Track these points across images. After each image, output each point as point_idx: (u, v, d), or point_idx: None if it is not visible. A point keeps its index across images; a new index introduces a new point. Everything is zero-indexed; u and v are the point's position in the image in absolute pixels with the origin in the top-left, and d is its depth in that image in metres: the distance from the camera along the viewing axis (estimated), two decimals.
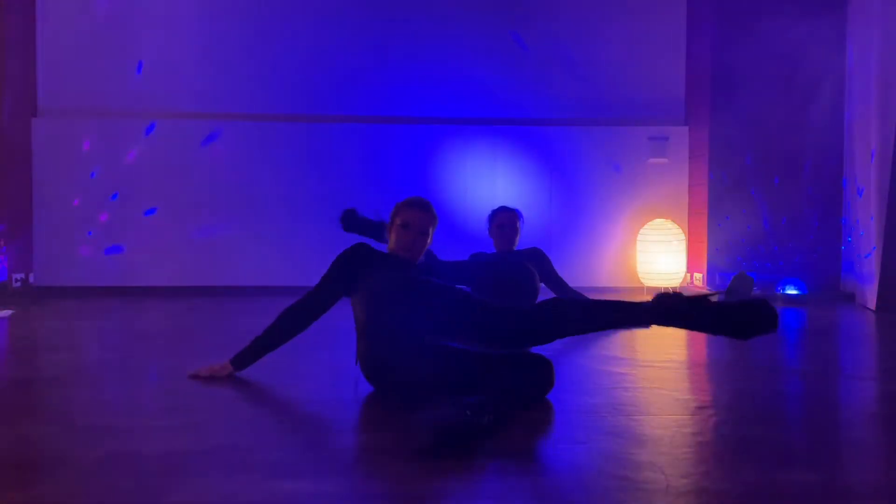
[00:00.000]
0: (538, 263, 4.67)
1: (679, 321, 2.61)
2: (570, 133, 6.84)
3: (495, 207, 4.88)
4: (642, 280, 6.67)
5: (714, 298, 2.66)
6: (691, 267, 6.74)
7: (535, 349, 3.05)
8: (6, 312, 5.25)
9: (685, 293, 2.59)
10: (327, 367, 3.48)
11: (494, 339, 2.77)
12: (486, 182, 6.73)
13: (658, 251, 6.51)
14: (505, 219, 4.77)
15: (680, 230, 6.64)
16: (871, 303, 5.62)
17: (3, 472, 2.04)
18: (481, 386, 2.60)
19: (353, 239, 3.40)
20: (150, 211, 6.61)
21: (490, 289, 4.19)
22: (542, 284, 4.72)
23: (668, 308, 2.60)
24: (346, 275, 3.01)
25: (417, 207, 3.13)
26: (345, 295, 3.04)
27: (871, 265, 5.69)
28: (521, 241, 4.89)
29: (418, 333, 2.74)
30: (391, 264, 3.05)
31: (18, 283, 6.13)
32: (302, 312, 3.06)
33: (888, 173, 5.47)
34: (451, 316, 2.78)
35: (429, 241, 3.17)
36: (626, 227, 6.82)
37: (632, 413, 2.64)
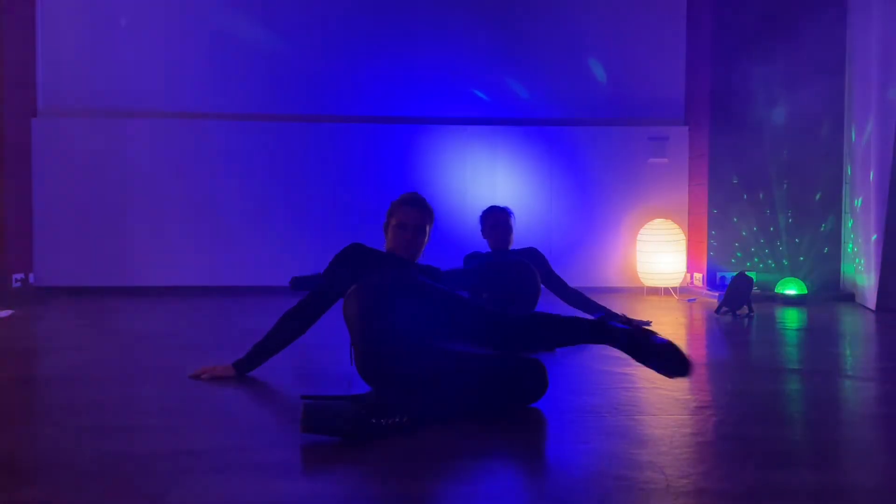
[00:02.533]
0: (536, 264, 4.65)
1: (615, 344, 2.70)
2: (570, 133, 6.84)
3: (485, 209, 4.84)
4: (642, 280, 6.67)
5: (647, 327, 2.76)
6: (691, 267, 6.74)
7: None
8: (6, 312, 5.25)
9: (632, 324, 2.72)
10: (327, 367, 3.48)
11: (487, 344, 2.75)
12: (486, 182, 6.73)
13: (658, 251, 6.51)
14: (497, 218, 4.73)
15: (680, 230, 6.64)
16: (871, 303, 5.62)
17: (2, 472, 2.04)
18: (472, 388, 2.60)
19: (351, 238, 3.38)
20: (151, 211, 6.61)
21: (493, 289, 4.17)
22: (542, 285, 4.70)
23: (608, 335, 2.69)
24: (343, 276, 3.00)
25: (412, 205, 3.11)
26: (342, 296, 3.03)
27: (872, 266, 5.69)
28: (520, 239, 4.87)
29: (411, 334, 2.73)
30: (389, 263, 3.04)
31: (18, 283, 6.13)
32: (300, 316, 3.07)
33: (888, 173, 5.46)
34: (444, 318, 2.76)
35: (426, 238, 3.15)
36: (626, 227, 6.82)
37: (632, 413, 2.64)
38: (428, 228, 3.13)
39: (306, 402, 2.32)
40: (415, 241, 3.09)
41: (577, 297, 4.80)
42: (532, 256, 4.68)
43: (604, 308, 4.80)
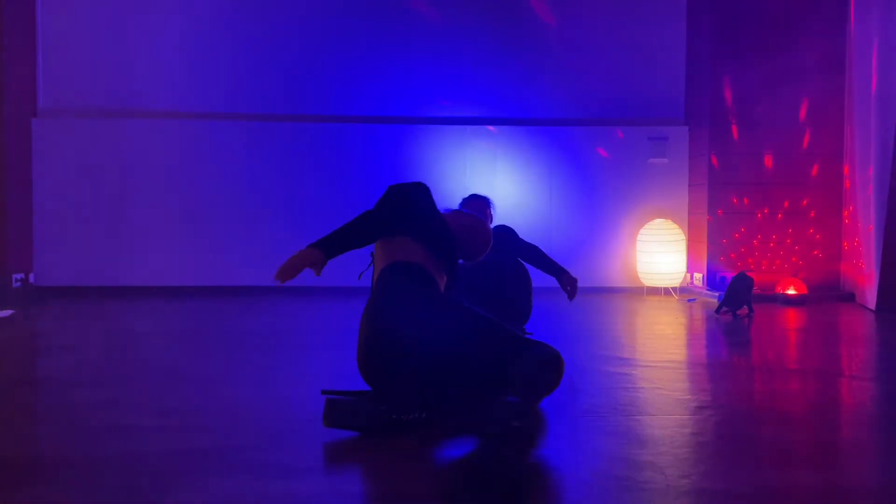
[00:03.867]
0: (508, 242, 4.55)
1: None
2: (570, 133, 6.84)
3: (466, 196, 4.77)
4: (642, 280, 6.67)
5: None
6: (691, 267, 6.74)
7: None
8: (6, 312, 5.25)
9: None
10: (328, 367, 3.48)
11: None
12: (486, 182, 6.73)
13: (658, 251, 6.51)
14: (476, 207, 4.70)
15: (680, 230, 6.64)
16: (871, 303, 5.62)
17: (3, 472, 2.04)
18: (499, 375, 2.54)
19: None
20: (151, 211, 6.61)
21: (474, 292, 4.13)
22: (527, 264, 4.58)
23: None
24: (400, 214, 2.95)
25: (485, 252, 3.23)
26: (390, 233, 2.96)
27: (871, 265, 5.69)
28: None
29: (420, 344, 2.68)
30: (439, 235, 2.97)
31: (18, 283, 6.13)
32: (369, 224, 2.97)
33: (888, 173, 5.47)
34: (455, 334, 2.67)
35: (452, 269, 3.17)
36: (626, 227, 6.82)
37: (632, 413, 2.64)
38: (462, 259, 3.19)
39: (328, 397, 2.36)
40: (464, 255, 3.12)
41: (537, 256, 4.62)
42: (503, 237, 4.56)
43: (561, 269, 4.63)
